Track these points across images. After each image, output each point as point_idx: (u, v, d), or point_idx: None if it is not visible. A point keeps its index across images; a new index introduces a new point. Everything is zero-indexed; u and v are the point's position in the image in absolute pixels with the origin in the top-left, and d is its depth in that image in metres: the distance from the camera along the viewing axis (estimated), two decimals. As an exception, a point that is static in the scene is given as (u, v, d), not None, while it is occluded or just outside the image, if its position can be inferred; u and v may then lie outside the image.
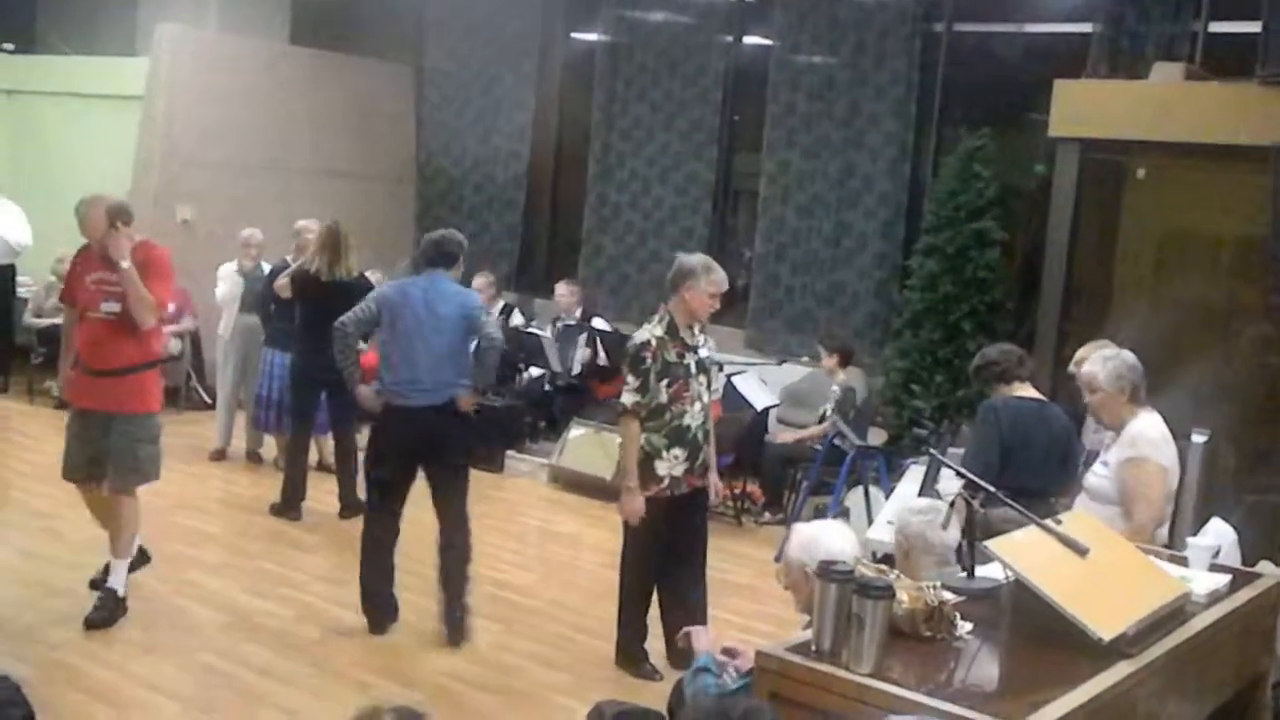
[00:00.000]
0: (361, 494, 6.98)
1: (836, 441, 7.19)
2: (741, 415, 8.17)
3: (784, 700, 2.60)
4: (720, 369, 5.79)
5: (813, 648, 2.69)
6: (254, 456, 8.44)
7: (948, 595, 2.90)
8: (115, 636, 5.27)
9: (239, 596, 5.88)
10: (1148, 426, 4.44)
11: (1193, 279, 7.04)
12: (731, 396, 8.11)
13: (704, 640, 3.59)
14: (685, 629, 3.79)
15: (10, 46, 11.37)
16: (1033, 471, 4.87)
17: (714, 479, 5.38)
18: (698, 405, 5.18)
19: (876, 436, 7.64)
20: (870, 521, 6.54)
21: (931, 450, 4.88)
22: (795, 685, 2.64)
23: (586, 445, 8.38)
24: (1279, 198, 6.43)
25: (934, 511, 3.73)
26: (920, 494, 5.58)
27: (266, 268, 8.05)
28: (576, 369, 9.29)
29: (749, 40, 9.81)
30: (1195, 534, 4.44)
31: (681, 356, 5.13)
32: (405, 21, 10.99)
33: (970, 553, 3.34)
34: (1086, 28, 7.90)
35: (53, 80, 10.84)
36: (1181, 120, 6.66)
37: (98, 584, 5.55)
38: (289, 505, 7.24)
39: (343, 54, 10.72)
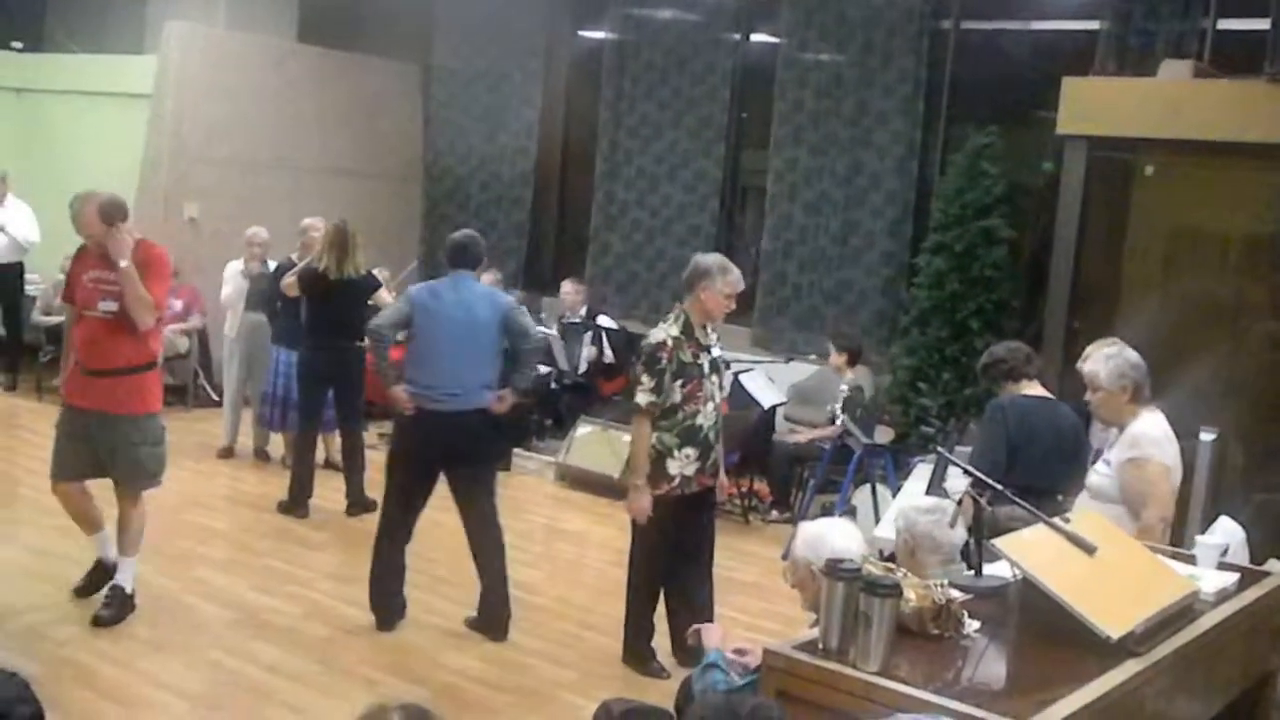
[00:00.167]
0: (369, 492, 7.01)
1: (844, 440, 7.19)
2: (748, 413, 8.16)
3: (791, 698, 2.60)
4: (727, 367, 5.78)
5: (820, 646, 2.69)
6: (261, 454, 8.46)
7: (955, 593, 2.90)
8: (123, 634, 5.27)
9: (247, 594, 5.88)
10: (1150, 426, 4.41)
11: (1201, 276, 7.01)
12: (738, 394, 8.09)
13: (714, 637, 3.59)
14: (695, 626, 3.79)
15: (19, 45, 11.40)
16: (1040, 470, 4.86)
17: (721, 477, 5.38)
18: (710, 405, 5.17)
19: (884, 434, 7.62)
20: (877, 519, 6.53)
21: (939, 448, 4.87)
22: (802, 683, 2.64)
23: (593, 443, 8.38)
24: (1288, 195, 6.43)
25: (941, 511, 3.72)
26: (928, 492, 5.56)
27: (272, 265, 8.06)
28: (583, 367, 9.29)
29: (756, 38, 9.80)
30: (1203, 532, 4.42)
31: (696, 357, 5.12)
32: (413, 20, 10.98)
33: (978, 551, 3.34)
34: (1094, 25, 7.87)
35: (61, 78, 10.89)
36: (1190, 118, 6.64)
37: (82, 591, 5.52)
38: (296, 503, 7.26)
39: (350, 52, 10.74)
